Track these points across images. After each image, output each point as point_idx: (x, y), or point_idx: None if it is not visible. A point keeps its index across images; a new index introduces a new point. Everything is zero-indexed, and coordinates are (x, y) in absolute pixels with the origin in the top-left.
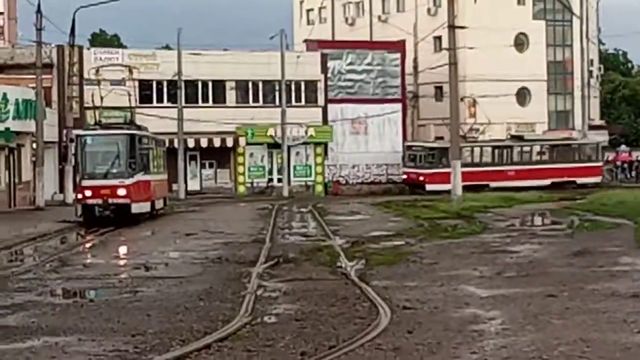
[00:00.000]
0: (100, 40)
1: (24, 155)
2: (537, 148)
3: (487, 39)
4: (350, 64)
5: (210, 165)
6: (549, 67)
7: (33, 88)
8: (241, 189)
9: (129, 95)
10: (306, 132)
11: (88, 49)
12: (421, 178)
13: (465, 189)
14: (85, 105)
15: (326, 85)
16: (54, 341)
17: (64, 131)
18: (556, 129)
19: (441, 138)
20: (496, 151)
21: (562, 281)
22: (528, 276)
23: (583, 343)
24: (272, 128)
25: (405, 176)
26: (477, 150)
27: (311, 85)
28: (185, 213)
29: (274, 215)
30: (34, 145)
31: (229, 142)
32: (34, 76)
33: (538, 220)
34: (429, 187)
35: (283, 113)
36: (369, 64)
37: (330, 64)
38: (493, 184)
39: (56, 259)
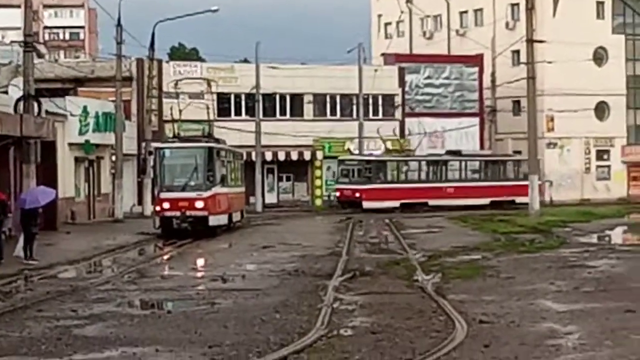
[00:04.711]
0: (179, 53)
1: (103, 167)
2: (475, 164)
3: (566, 53)
4: (428, 77)
5: (288, 179)
6: (629, 82)
7: (113, 101)
8: (318, 202)
9: (208, 108)
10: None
11: (167, 62)
12: (357, 195)
13: (403, 207)
14: (164, 118)
15: (403, 99)
16: (132, 352)
17: (143, 144)
18: (636, 144)
19: (519, 152)
20: (432, 167)
21: None
22: (606, 291)
23: None
24: (350, 141)
25: (338, 193)
26: (413, 165)
27: (388, 99)
28: (262, 226)
29: (350, 229)
30: (113, 158)
31: (307, 156)
32: (113, 89)
33: (616, 235)
34: (366, 204)
35: (360, 126)
36: (446, 78)
37: (407, 77)
38: (432, 202)
39: (134, 271)
